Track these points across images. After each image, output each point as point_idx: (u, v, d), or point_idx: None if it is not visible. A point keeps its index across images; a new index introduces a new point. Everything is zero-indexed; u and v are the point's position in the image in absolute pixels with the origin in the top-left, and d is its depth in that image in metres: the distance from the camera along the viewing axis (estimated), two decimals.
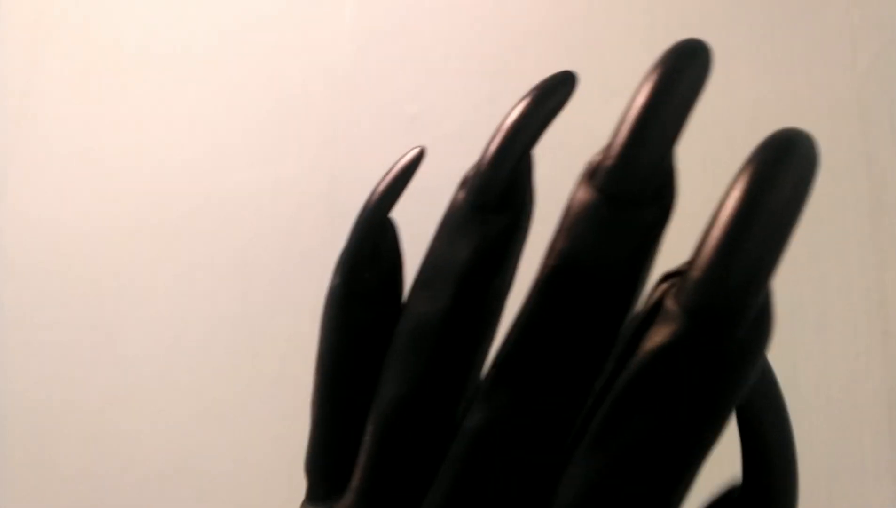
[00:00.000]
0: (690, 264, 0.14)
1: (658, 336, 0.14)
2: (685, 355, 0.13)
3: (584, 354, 0.15)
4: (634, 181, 0.15)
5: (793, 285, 0.64)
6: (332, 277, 0.20)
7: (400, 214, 0.20)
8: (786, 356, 0.63)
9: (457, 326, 0.16)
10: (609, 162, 0.15)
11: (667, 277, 0.15)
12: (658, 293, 0.15)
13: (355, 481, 0.16)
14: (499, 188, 0.17)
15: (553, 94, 0.18)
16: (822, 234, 0.64)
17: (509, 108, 0.18)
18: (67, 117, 0.93)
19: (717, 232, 0.14)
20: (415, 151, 0.20)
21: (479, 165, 0.17)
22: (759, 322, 0.14)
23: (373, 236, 0.20)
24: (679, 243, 0.67)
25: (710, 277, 0.13)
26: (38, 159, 0.92)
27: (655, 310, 0.14)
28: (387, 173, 0.20)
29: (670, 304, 0.14)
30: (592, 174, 0.16)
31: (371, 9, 0.84)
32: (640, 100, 0.16)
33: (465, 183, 0.18)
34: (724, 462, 0.19)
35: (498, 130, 0.17)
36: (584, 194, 0.15)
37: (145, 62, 0.92)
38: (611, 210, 0.15)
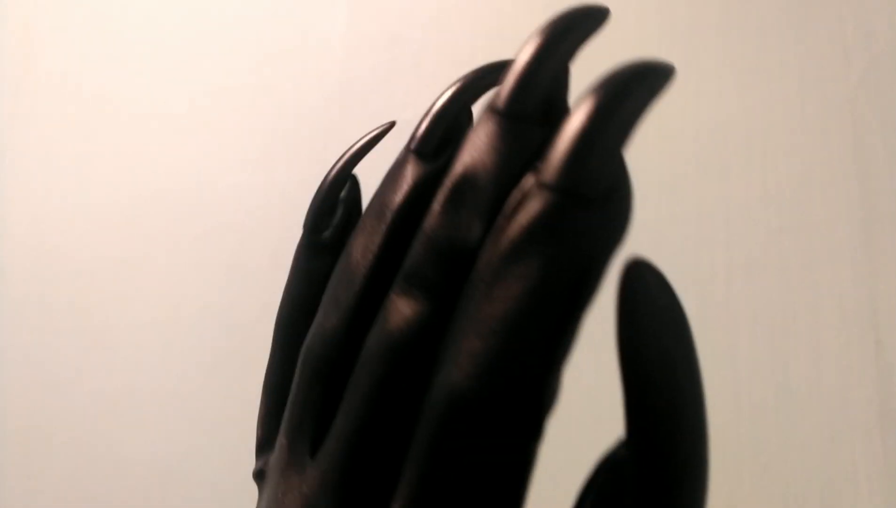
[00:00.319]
0: (551, 150, 0.15)
1: (525, 213, 0.14)
2: (552, 225, 0.14)
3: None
4: (527, 103, 0.16)
5: (785, 293, 0.64)
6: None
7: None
8: (778, 364, 0.63)
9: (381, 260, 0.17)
10: (508, 89, 0.16)
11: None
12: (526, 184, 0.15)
13: (333, 444, 0.16)
14: (435, 138, 0.19)
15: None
16: (814, 243, 0.64)
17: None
18: (59, 119, 0.92)
19: (575, 121, 0.15)
20: (386, 124, 0.22)
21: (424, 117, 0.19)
22: (619, 197, 0.15)
23: (334, 192, 0.21)
24: (672, 238, 0.67)
25: (571, 158, 0.14)
26: (29, 161, 0.92)
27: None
28: (356, 141, 0.21)
29: (534, 186, 0.15)
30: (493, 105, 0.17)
31: (364, 15, 0.84)
32: (529, 46, 0.17)
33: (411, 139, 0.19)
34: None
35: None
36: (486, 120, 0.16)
37: (138, 66, 0.91)
38: (507, 127, 0.16)
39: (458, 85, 0.20)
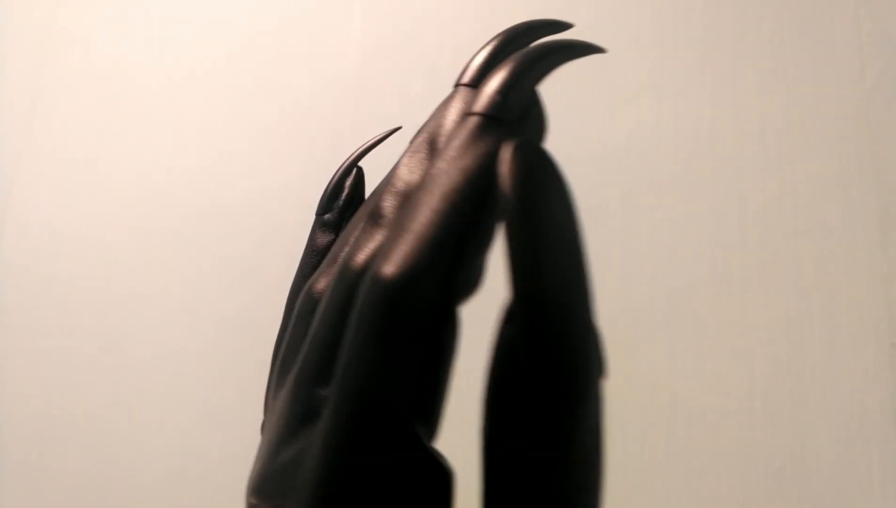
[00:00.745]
0: (478, 94, 0.19)
1: (455, 134, 0.18)
2: (474, 140, 0.17)
3: None
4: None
5: (801, 297, 0.64)
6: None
7: None
8: (793, 367, 0.62)
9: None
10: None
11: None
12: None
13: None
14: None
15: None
16: (830, 246, 0.64)
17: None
18: (74, 123, 0.93)
19: (496, 75, 0.19)
20: (392, 129, 0.26)
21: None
22: (531, 120, 0.18)
23: (340, 180, 0.26)
24: (688, 241, 0.66)
25: (493, 95, 0.18)
26: (45, 165, 0.93)
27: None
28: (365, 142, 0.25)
29: (465, 115, 0.18)
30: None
31: (378, 18, 0.85)
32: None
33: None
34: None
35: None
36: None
37: (153, 70, 0.92)
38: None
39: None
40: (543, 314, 0.15)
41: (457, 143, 0.17)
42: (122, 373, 0.83)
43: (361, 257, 0.17)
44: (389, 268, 0.16)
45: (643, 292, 0.66)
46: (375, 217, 0.18)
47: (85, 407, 0.83)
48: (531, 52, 0.19)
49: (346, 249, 0.19)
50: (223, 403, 0.79)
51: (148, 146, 0.89)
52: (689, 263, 0.66)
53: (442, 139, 0.19)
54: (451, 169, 0.17)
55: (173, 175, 0.87)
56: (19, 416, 0.85)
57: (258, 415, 0.82)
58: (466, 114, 0.18)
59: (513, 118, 0.18)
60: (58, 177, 0.92)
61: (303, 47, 0.87)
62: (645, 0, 0.75)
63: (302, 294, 0.20)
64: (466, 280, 0.16)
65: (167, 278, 0.84)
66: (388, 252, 0.16)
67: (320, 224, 0.26)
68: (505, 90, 0.18)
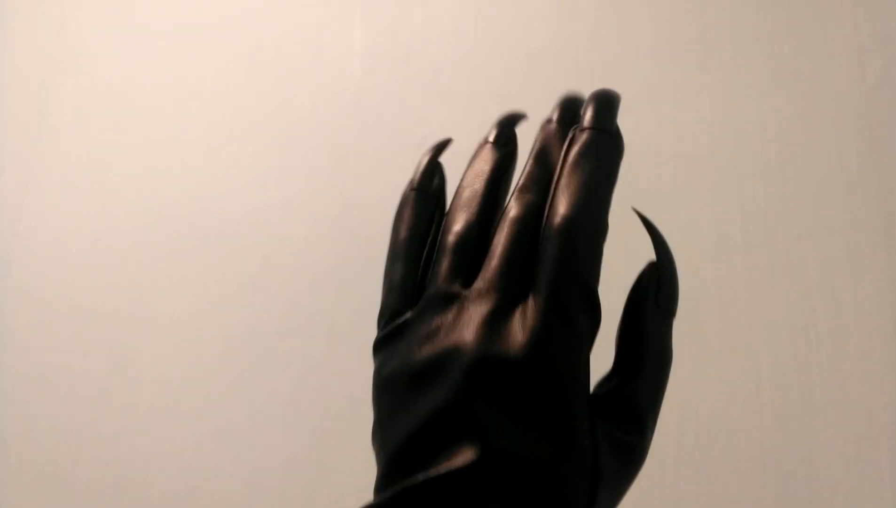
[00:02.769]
0: (585, 115, 0.28)
1: (579, 140, 0.27)
2: (596, 142, 0.27)
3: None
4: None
5: (805, 299, 0.64)
6: (406, 190, 0.31)
7: None
8: (800, 370, 0.62)
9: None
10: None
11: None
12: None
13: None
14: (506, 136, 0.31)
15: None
16: (834, 249, 0.64)
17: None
18: (83, 141, 0.94)
19: (594, 101, 0.29)
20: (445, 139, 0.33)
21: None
22: (618, 131, 0.28)
23: (436, 157, 0.32)
24: (692, 244, 0.67)
25: (594, 115, 0.28)
26: (54, 184, 0.93)
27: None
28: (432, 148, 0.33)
29: (579, 131, 0.28)
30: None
31: (379, 32, 0.85)
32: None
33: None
34: None
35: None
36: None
37: (158, 87, 0.93)
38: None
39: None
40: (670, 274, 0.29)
41: (586, 141, 0.27)
42: (130, 391, 0.83)
43: (529, 204, 0.26)
44: (573, 210, 0.26)
45: None
46: (524, 189, 0.27)
47: (94, 424, 0.83)
48: (607, 92, 0.29)
49: (514, 203, 0.27)
50: (232, 418, 0.79)
51: (154, 164, 0.90)
52: (693, 267, 0.67)
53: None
54: (592, 156, 0.27)
55: (179, 192, 0.88)
56: (29, 433, 0.85)
57: (266, 429, 0.82)
58: (583, 128, 0.27)
59: (612, 131, 0.27)
60: (65, 195, 0.92)
61: (304, 63, 0.87)
62: (644, 7, 0.75)
63: (461, 227, 0.28)
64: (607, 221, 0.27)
65: (174, 295, 0.85)
66: (570, 200, 0.26)
67: (423, 196, 0.30)
68: (603, 113, 0.28)
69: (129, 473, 0.81)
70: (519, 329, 0.23)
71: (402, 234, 0.30)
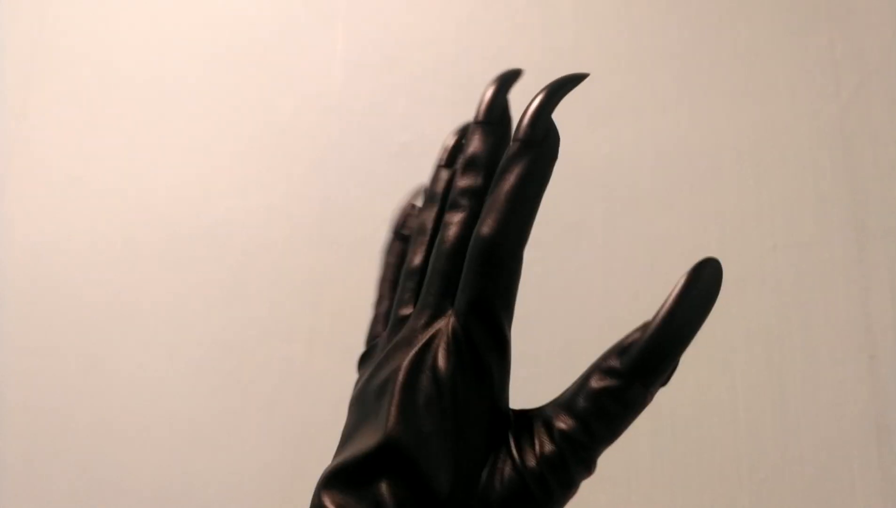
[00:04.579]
0: (517, 126, 0.28)
1: (509, 151, 0.28)
2: (520, 151, 0.27)
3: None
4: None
5: (779, 310, 0.65)
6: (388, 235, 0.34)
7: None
8: (774, 379, 0.63)
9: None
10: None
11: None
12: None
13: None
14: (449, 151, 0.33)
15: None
16: (807, 260, 0.65)
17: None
18: (62, 142, 0.93)
19: (527, 108, 0.29)
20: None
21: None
22: (548, 141, 0.28)
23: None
24: (667, 255, 0.67)
25: (523, 126, 0.28)
26: (33, 184, 0.93)
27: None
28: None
29: (511, 143, 0.28)
30: None
31: (361, 38, 0.86)
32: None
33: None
34: None
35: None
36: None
37: (139, 89, 0.92)
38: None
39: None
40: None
41: (512, 153, 0.28)
42: (108, 392, 0.83)
43: (460, 220, 0.28)
44: (492, 228, 0.26)
45: (623, 308, 0.67)
46: (456, 204, 0.29)
47: (71, 426, 0.83)
48: (544, 92, 0.29)
49: (448, 221, 0.29)
50: (210, 421, 0.79)
51: (133, 167, 0.90)
52: (669, 277, 0.67)
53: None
54: (518, 165, 0.27)
55: (159, 195, 0.88)
56: (7, 434, 0.84)
57: (244, 433, 0.82)
58: (514, 139, 0.28)
59: (536, 141, 0.28)
60: (44, 196, 0.92)
61: (287, 67, 0.87)
62: (623, 21, 0.76)
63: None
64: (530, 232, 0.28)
65: (153, 298, 0.84)
66: (490, 217, 0.27)
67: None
68: (532, 122, 0.28)
69: (106, 475, 0.80)
70: (441, 355, 0.26)
71: (385, 273, 0.33)
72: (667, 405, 0.64)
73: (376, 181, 0.80)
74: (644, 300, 0.67)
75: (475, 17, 0.82)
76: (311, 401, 0.75)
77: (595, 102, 0.73)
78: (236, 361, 0.80)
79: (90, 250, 0.88)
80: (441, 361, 0.26)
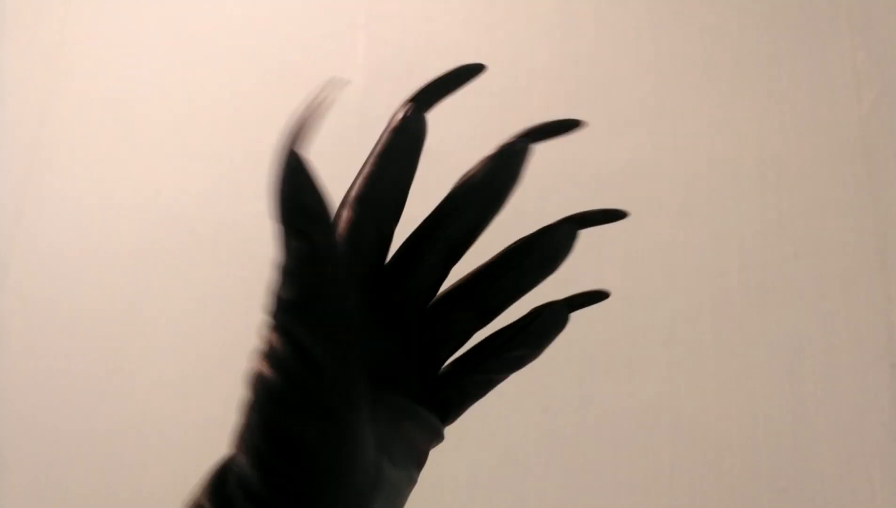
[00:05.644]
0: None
1: None
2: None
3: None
4: None
5: (800, 319, 0.64)
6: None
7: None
8: (794, 389, 0.63)
9: None
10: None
11: None
12: None
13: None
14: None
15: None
16: (828, 268, 0.64)
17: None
18: (81, 149, 0.94)
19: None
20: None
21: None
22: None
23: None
24: (688, 264, 0.66)
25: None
26: (52, 191, 0.94)
27: None
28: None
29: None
30: None
31: (382, 45, 0.86)
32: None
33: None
34: None
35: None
36: None
37: (159, 97, 0.93)
38: None
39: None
40: None
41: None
42: (125, 397, 0.83)
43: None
44: None
45: (644, 315, 0.67)
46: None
47: (89, 428, 0.83)
48: (428, 82, 0.31)
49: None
50: (227, 422, 0.79)
51: (153, 173, 0.91)
52: (689, 286, 0.67)
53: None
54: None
55: (178, 200, 0.88)
56: (24, 437, 0.85)
57: None
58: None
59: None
60: (64, 203, 0.93)
61: (307, 74, 0.88)
62: (644, 27, 0.76)
63: None
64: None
65: (171, 301, 0.85)
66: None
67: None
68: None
69: (122, 477, 0.81)
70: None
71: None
72: (686, 413, 0.64)
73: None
74: (663, 309, 0.67)
75: (496, 25, 0.82)
76: None
77: (616, 109, 0.73)
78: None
79: (109, 255, 0.89)
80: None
